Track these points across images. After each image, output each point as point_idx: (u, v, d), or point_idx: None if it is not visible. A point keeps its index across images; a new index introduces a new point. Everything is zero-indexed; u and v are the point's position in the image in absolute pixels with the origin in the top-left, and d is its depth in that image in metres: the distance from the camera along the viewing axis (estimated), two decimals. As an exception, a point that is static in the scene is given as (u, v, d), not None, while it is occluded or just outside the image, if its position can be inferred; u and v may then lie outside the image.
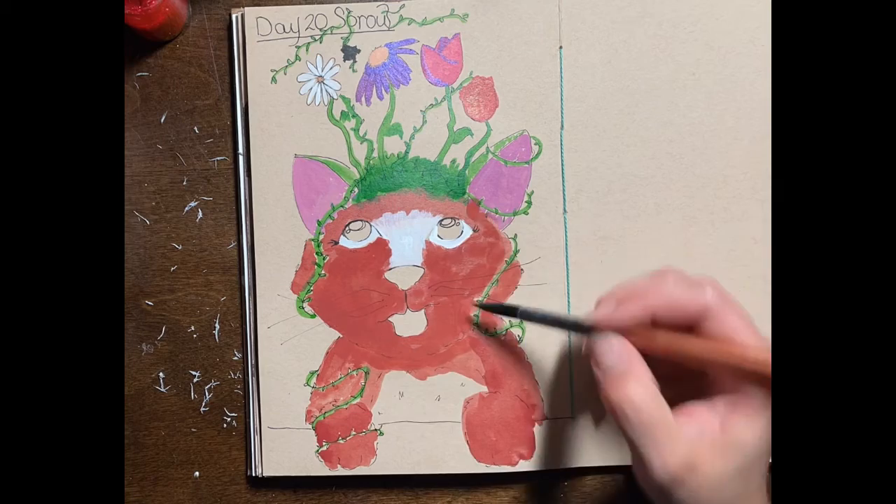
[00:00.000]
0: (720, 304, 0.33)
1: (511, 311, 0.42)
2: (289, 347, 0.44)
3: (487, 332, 0.44)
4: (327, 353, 0.44)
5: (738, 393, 0.32)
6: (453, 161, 0.44)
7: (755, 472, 0.32)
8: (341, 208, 0.44)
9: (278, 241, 0.44)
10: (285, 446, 0.44)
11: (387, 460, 0.44)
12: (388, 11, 0.44)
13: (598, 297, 0.36)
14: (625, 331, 0.34)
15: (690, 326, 0.33)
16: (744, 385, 0.32)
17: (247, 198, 0.44)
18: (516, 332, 0.44)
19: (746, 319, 0.33)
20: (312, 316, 0.44)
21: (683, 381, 0.34)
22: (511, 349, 0.44)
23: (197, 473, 0.46)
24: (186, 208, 0.45)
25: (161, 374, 0.46)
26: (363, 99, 0.44)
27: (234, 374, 0.45)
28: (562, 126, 0.43)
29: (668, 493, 0.31)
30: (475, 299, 0.44)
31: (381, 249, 0.44)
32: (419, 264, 0.44)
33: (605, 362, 0.34)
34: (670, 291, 0.33)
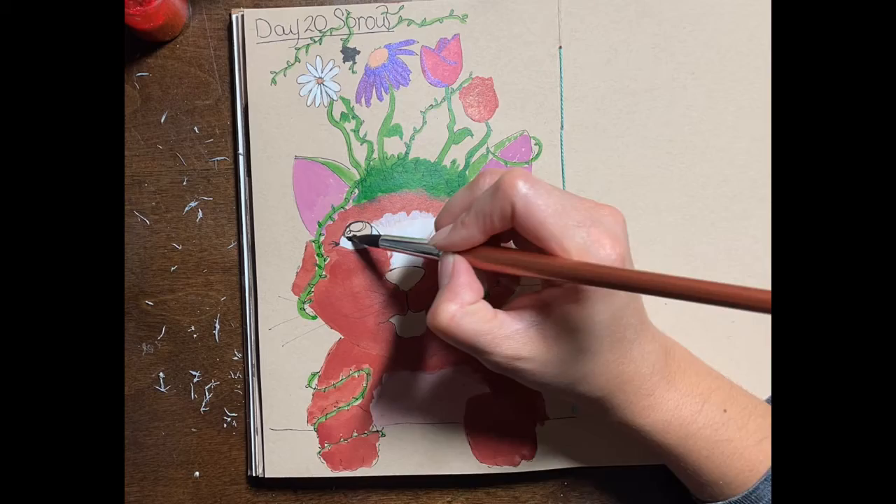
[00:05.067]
0: (525, 197, 0.31)
1: (373, 241, 0.42)
2: (290, 349, 0.44)
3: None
4: (328, 354, 0.44)
5: (561, 292, 0.33)
6: (453, 162, 0.44)
7: (590, 355, 0.33)
8: (342, 209, 0.44)
9: (279, 242, 0.44)
10: (287, 447, 0.44)
11: (389, 461, 0.44)
12: (387, 13, 0.44)
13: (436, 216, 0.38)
14: (466, 251, 0.35)
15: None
16: (562, 289, 0.33)
17: (247, 198, 0.44)
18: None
19: (553, 205, 0.32)
20: (313, 317, 0.44)
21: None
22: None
23: (197, 473, 0.46)
24: (186, 208, 0.45)
25: (161, 374, 0.46)
26: (363, 100, 0.44)
27: (235, 374, 0.45)
28: (562, 126, 0.43)
29: (510, 376, 0.35)
30: (346, 234, 0.44)
31: (381, 250, 0.44)
32: (420, 265, 0.44)
33: (440, 283, 0.35)
34: (481, 207, 0.33)
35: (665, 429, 0.36)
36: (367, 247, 0.44)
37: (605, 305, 0.32)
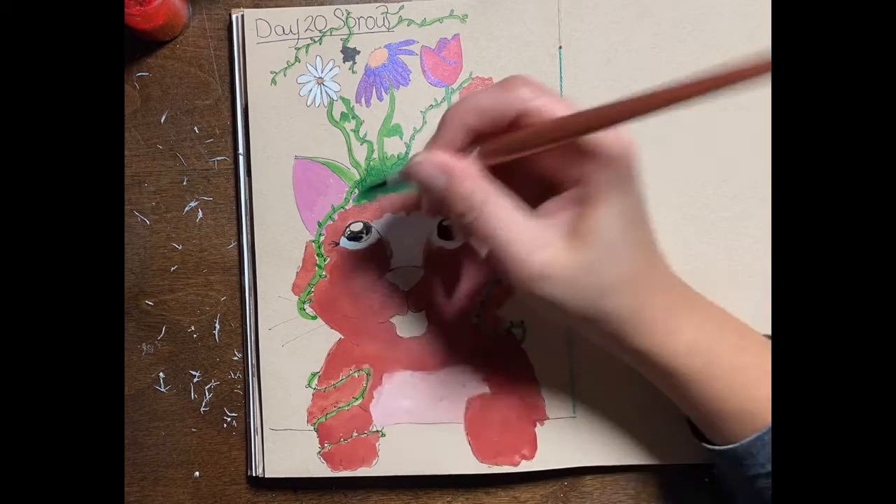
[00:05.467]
0: (534, 96, 0.32)
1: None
2: (290, 349, 0.44)
3: (488, 332, 0.44)
4: (328, 354, 0.44)
5: (586, 179, 0.32)
6: (453, 161, 0.44)
7: (623, 254, 0.33)
8: (342, 209, 0.44)
9: (279, 242, 0.44)
10: (287, 448, 0.44)
11: (389, 461, 0.44)
12: (387, 13, 0.44)
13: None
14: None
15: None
16: (588, 170, 0.32)
17: (247, 198, 0.44)
18: (517, 332, 0.44)
19: (566, 102, 0.32)
20: (313, 317, 0.44)
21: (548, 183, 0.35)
22: (512, 349, 0.44)
23: (197, 473, 0.46)
24: (186, 208, 0.45)
25: (161, 374, 0.46)
26: (363, 100, 0.44)
27: (235, 374, 0.45)
28: (562, 126, 0.43)
29: (533, 292, 0.33)
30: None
31: (381, 250, 0.44)
32: (420, 265, 0.44)
33: (427, 183, 0.34)
34: (479, 104, 0.32)
35: (689, 351, 0.35)
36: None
37: (618, 200, 0.32)
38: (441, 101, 0.43)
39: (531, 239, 0.33)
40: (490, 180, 0.33)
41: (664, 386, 0.38)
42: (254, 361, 0.45)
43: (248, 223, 0.44)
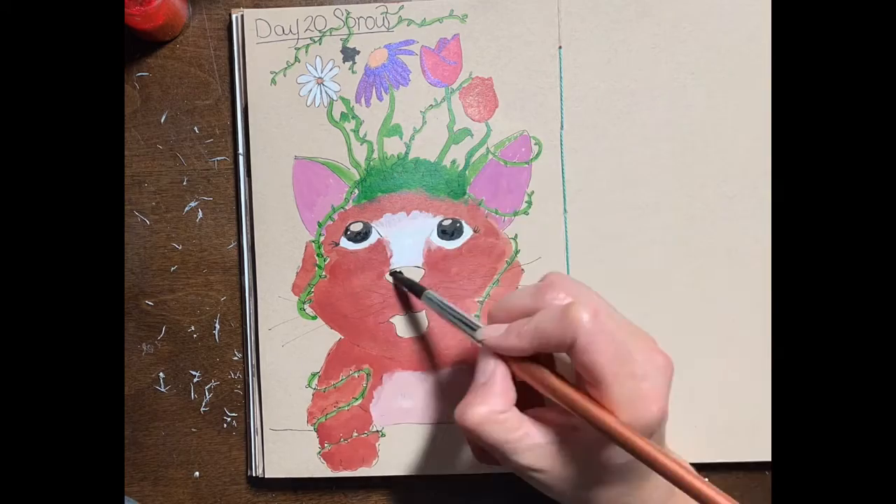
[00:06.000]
0: (589, 335, 0.31)
1: (417, 291, 0.42)
2: (290, 349, 0.44)
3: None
4: (328, 354, 0.44)
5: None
6: (453, 162, 0.44)
7: (611, 480, 0.34)
8: (341, 210, 0.44)
9: (278, 242, 0.44)
10: (287, 448, 0.44)
11: (389, 461, 0.44)
12: (387, 13, 0.44)
13: (489, 307, 0.38)
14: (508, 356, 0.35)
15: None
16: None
17: (247, 198, 0.44)
18: (517, 332, 0.44)
19: (613, 350, 0.31)
20: (313, 317, 0.44)
21: None
22: (512, 349, 0.44)
23: (197, 473, 0.46)
24: (186, 208, 0.45)
25: (161, 374, 0.46)
26: (363, 100, 0.44)
27: (234, 374, 0.45)
28: (562, 126, 0.43)
29: (523, 478, 0.36)
30: (391, 269, 0.44)
31: (381, 250, 0.44)
32: (420, 265, 0.44)
33: (475, 378, 0.35)
34: (543, 328, 0.33)
35: None
36: (405, 288, 0.44)
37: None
38: (441, 101, 0.43)
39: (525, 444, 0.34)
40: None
41: None
42: (254, 361, 0.45)
43: (248, 223, 0.44)
